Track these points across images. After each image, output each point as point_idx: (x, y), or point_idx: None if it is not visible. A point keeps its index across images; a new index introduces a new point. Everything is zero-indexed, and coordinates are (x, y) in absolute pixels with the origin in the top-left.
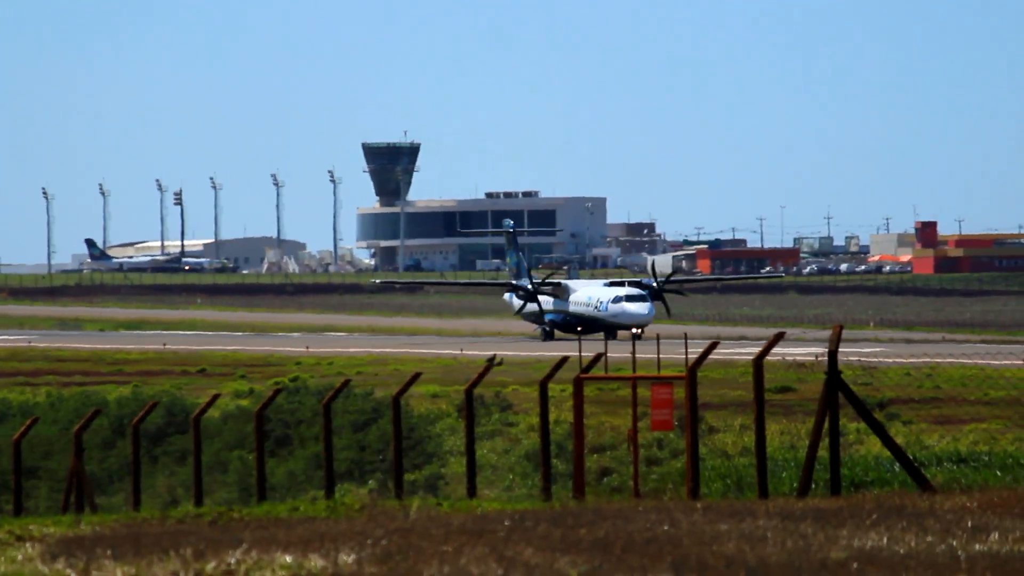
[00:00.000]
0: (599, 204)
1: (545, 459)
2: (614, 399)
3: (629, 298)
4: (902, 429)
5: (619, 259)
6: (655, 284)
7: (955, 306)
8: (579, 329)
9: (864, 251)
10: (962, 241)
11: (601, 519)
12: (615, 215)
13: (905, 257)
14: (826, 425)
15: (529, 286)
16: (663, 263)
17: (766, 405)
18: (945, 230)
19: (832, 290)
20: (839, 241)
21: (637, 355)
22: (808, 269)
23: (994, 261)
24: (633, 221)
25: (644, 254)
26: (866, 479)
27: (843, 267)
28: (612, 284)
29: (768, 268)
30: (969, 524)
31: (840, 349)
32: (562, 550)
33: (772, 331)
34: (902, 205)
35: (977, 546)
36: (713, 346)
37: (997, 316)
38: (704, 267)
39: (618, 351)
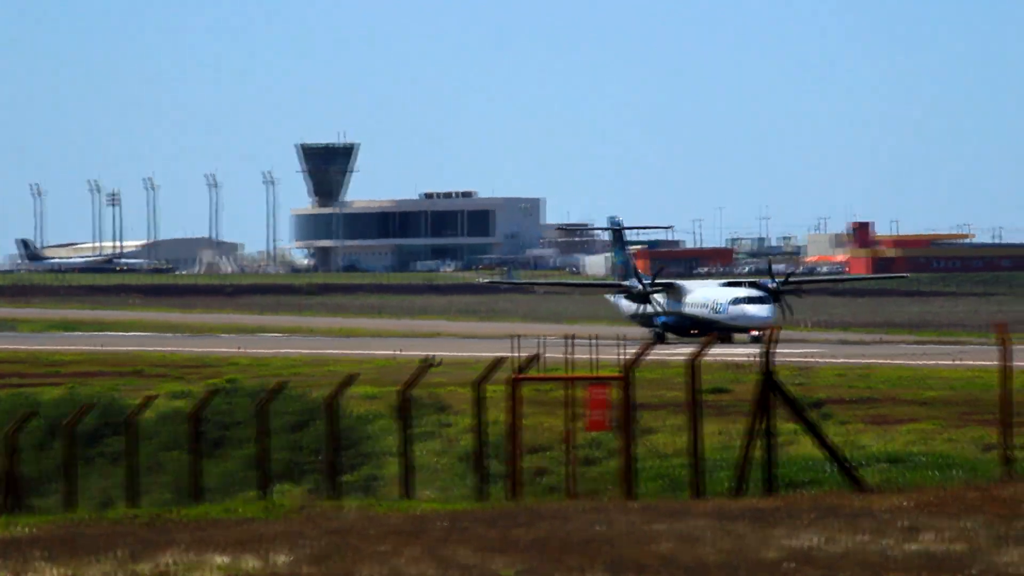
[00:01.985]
0: (535, 205)
1: (481, 460)
2: (550, 400)
3: (749, 299)
4: (837, 429)
5: (555, 260)
6: (773, 284)
7: (891, 306)
8: (694, 332)
9: (800, 251)
10: (898, 241)
11: (537, 519)
12: (552, 216)
13: (841, 257)
14: (761, 425)
15: (640, 286)
16: (598, 264)
17: (701, 405)
18: (880, 230)
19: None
20: (775, 242)
21: (573, 355)
22: (744, 270)
23: (930, 262)
24: (570, 222)
25: (580, 255)
26: (801, 479)
27: (779, 268)
28: (729, 284)
29: (704, 268)
30: (903, 524)
31: (775, 350)
32: (498, 550)
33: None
34: (837, 205)
35: (910, 545)
36: (648, 346)
37: (933, 316)
38: (641, 267)
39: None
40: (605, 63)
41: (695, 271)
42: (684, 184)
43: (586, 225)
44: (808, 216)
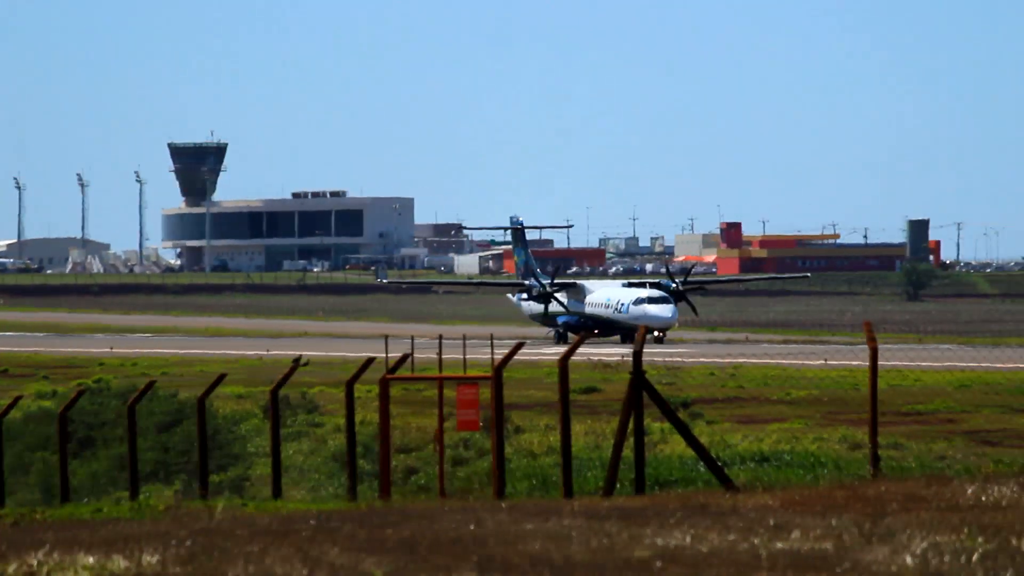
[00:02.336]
0: (407, 204)
1: (351, 459)
2: (420, 399)
3: (651, 299)
4: (706, 429)
5: (427, 259)
6: (675, 284)
7: (758, 306)
8: (596, 332)
9: (669, 251)
10: (766, 242)
11: (407, 519)
12: (423, 215)
13: (710, 257)
14: (631, 425)
15: (541, 286)
16: (470, 264)
17: (572, 405)
18: (749, 231)
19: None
20: (644, 242)
21: (443, 355)
22: (614, 269)
23: (797, 261)
24: (441, 221)
25: (451, 254)
26: (670, 478)
27: (649, 267)
28: (631, 285)
29: (575, 268)
30: (771, 522)
31: (645, 349)
32: (368, 550)
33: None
34: (707, 206)
35: (778, 544)
36: (519, 346)
37: (800, 316)
38: (511, 267)
39: (448, 352)
40: (470, 63)
41: (566, 271)
42: (554, 184)
43: (492, 226)
44: (678, 216)
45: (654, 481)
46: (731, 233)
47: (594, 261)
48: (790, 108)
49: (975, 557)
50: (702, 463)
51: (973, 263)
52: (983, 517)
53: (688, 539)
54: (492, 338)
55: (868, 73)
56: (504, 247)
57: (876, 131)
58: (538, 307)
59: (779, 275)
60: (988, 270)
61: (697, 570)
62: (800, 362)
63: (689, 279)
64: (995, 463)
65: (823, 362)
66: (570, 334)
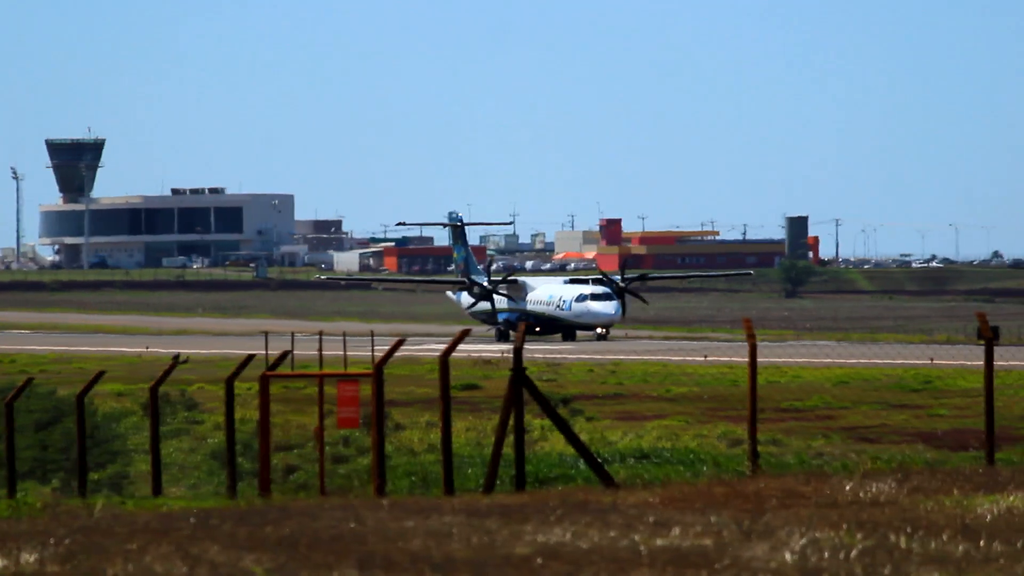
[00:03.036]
0: (286, 201)
1: (231, 457)
2: (301, 397)
3: (595, 296)
4: (586, 425)
5: (306, 256)
6: (617, 282)
7: (637, 302)
8: (538, 329)
9: (549, 248)
10: (645, 238)
11: (287, 517)
12: (302, 212)
13: (590, 254)
14: (511, 422)
15: (485, 283)
16: (350, 261)
17: (452, 402)
18: (629, 227)
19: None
20: (525, 239)
21: (323, 352)
22: (495, 266)
23: (676, 258)
24: (321, 218)
25: (331, 251)
26: (551, 475)
27: (529, 264)
28: (573, 282)
29: (453, 266)
30: (651, 519)
31: (525, 346)
32: (248, 548)
33: (458, 328)
34: (587, 203)
35: (658, 541)
36: (399, 343)
37: (680, 313)
38: (391, 265)
39: (408, 348)
40: (346, 59)
41: (447, 268)
42: (434, 181)
43: (428, 222)
44: (557, 213)
45: (534, 478)
46: (611, 230)
47: (475, 258)
48: (669, 105)
49: (854, 553)
50: (582, 460)
51: (851, 260)
52: (861, 513)
53: (568, 536)
54: (372, 335)
55: (746, 70)
56: (384, 244)
57: (755, 128)
58: (478, 305)
59: (724, 272)
60: (866, 267)
61: (578, 567)
62: (680, 358)
63: (627, 275)
64: (873, 459)
65: (703, 359)
66: (511, 331)
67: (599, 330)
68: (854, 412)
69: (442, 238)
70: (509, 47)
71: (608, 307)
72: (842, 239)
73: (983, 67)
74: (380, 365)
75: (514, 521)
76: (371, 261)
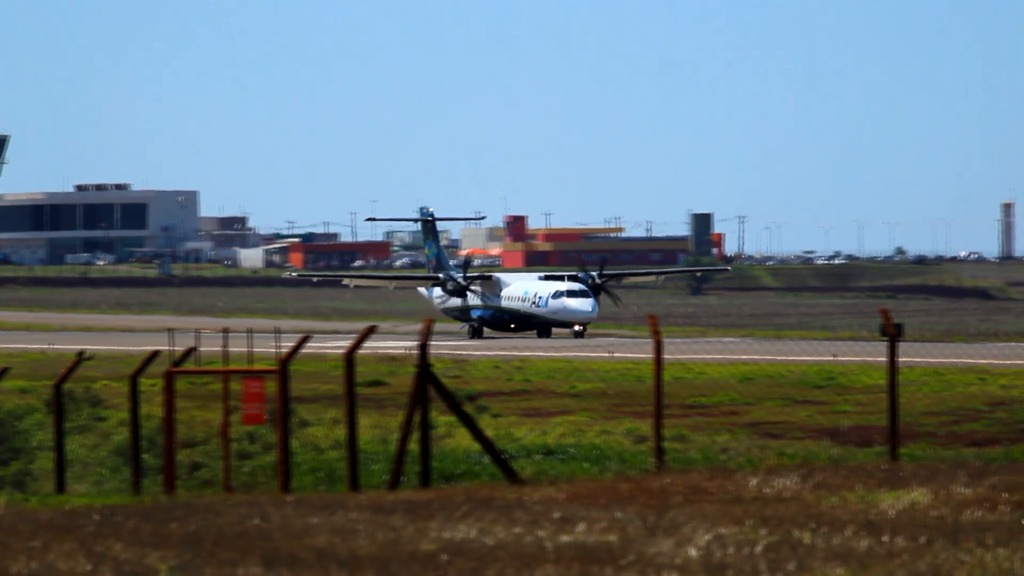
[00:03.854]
0: (191, 198)
1: (135, 454)
2: (206, 393)
3: (571, 293)
4: (491, 422)
5: (211, 253)
6: (593, 278)
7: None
8: (512, 326)
9: (455, 245)
10: (551, 235)
11: (192, 513)
12: (207, 208)
13: (495, 250)
14: (417, 418)
15: (460, 279)
16: (255, 257)
17: (358, 399)
18: (535, 224)
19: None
20: None
21: (228, 348)
22: (400, 263)
23: (581, 255)
24: (225, 215)
25: (236, 248)
26: (456, 471)
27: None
28: (548, 278)
29: (360, 262)
30: (556, 515)
31: (431, 342)
32: (152, 545)
33: (364, 325)
34: (492, 199)
35: (564, 537)
36: (304, 340)
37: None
38: (296, 261)
39: (318, 344)
40: (252, 55)
41: (352, 264)
42: (339, 177)
43: (398, 218)
44: (462, 209)
45: (440, 474)
46: (516, 227)
47: (380, 254)
48: (574, 101)
49: (758, 549)
50: (488, 456)
51: (756, 256)
52: (766, 509)
53: (474, 532)
54: (278, 331)
55: (650, 69)
56: (290, 240)
57: (660, 126)
58: (451, 301)
59: (698, 268)
60: (770, 264)
61: (483, 563)
62: (585, 355)
63: (605, 271)
64: (777, 455)
65: (608, 355)
66: (486, 328)
67: (576, 327)
68: (759, 408)
69: (347, 234)
70: (415, 43)
71: (585, 304)
72: (746, 236)
73: (886, 64)
74: (285, 361)
75: (420, 517)
76: (276, 257)
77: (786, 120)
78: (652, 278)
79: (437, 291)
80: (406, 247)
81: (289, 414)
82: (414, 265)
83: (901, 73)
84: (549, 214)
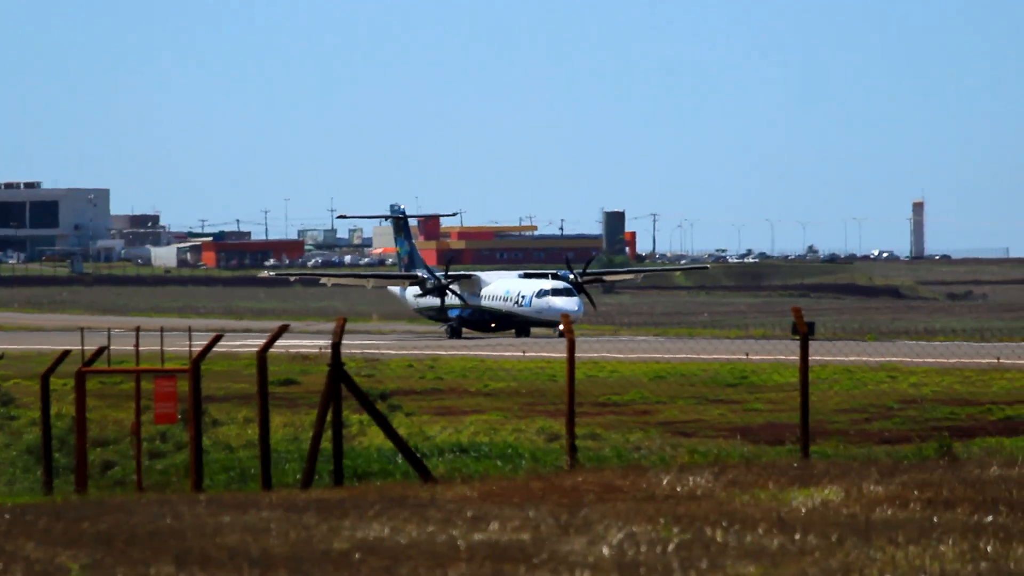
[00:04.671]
0: (102, 196)
1: (46, 453)
2: (118, 392)
3: (556, 292)
4: (404, 420)
5: (123, 251)
6: (573, 276)
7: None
8: (493, 325)
9: (367, 243)
10: (464, 233)
11: (103, 512)
12: (119, 207)
13: None
14: (329, 417)
15: (439, 277)
16: (167, 255)
17: (270, 398)
18: (448, 222)
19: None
20: (343, 234)
21: (140, 347)
22: (313, 261)
23: (495, 253)
24: (137, 213)
25: (148, 246)
26: (369, 470)
27: (347, 259)
28: (527, 276)
29: (273, 260)
30: (469, 514)
31: (344, 341)
32: (64, 544)
33: (276, 323)
34: (405, 198)
35: (477, 535)
36: (217, 339)
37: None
38: (209, 259)
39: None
40: (162, 51)
41: (265, 263)
42: (252, 175)
43: (369, 215)
44: (375, 208)
45: (353, 473)
46: (429, 225)
47: (292, 253)
48: (488, 101)
49: (671, 547)
50: (401, 455)
51: (668, 255)
52: (678, 507)
53: (387, 531)
54: (190, 331)
55: (564, 66)
56: (202, 239)
57: (573, 124)
58: (426, 300)
59: (679, 266)
60: (683, 262)
61: (396, 562)
62: (498, 354)
63: (588, 270)
64: (690, 453)
65: (521, 353)
66: (464, 328)
67: (561, 327)
68: (671, 406)
69: (259, 232)
70: (324, 38)
71: (570, 303)
72: (659, 234)
73: (797, 64)
74: (197, 361)
75: (332, 516)
76: (188, 256)
77: (698, 118)
78: (631, 276)
79: (415, 290)
80: (319, 246)
81: (201, 413)
82: (326, 264)
83: (812, 72)
84: (463, 212)
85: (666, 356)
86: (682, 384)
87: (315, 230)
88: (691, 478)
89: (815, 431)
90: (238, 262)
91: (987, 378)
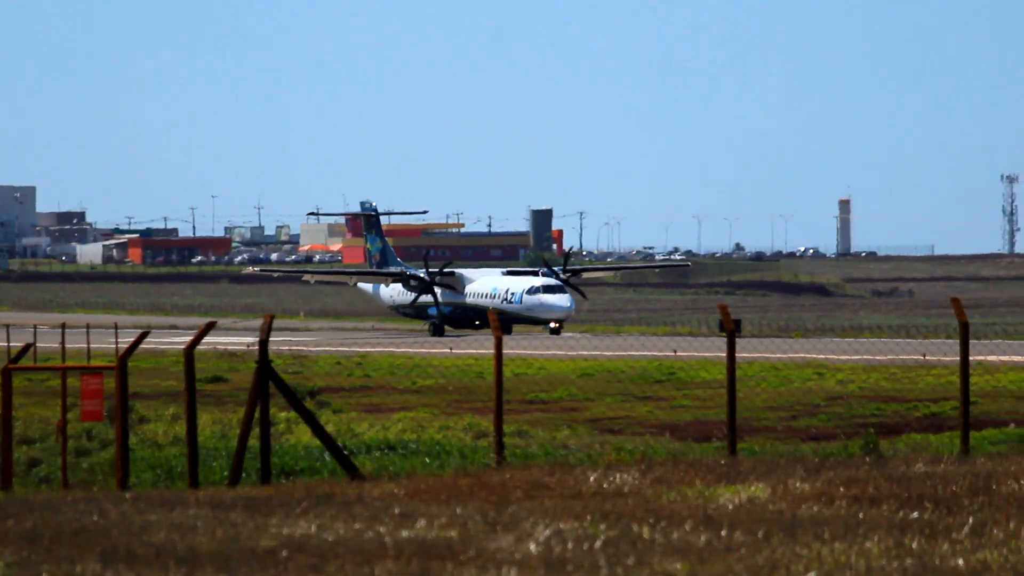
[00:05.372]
0: (28, 193)
1: None
2: (44, 390)
3: (547, 289)
4: (332, 418)
5: (49, 248)
6: (557, 274)
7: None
8: (477, 323)
9: (295, 240)
10: (391, 230)
11: (29, 510)
12: (45, 204)
13: (336, 246)
14: (257, 414)
15: (423, 275)
16: (93, 253)
17: (198, 395)
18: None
19: (263, 279)
20: (270, 230)
21: (66, 344)
22: (240, 258)
23: (422, 250)
24: (63, 210)
25: (74, 243)
26: (297, 467)
27: (274, 256)
28: (511, 273)
29: (200, 257)
30: (397, 511)
31: (271, 338)
32: None
33: (203, 320)
34: (332, 195)
35: (404, 532)
36: (143, 335)
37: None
38: (136, 256)
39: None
40: (88, 47)
41: (192, 260)
42: (177, 172)
43: (340, 212)
44: (303, 205)
45: (280, 471)
46: (356, 222)
47: (219, 250)
48: (412, 96)
49: (598, 544)
50: (328, 452)
51: (595, 252)
52: (605, 504)
53: (314, 528)
54: (116, 327)
55: (493, 63)
56: (129, 236)
57: (500, 120)
58: (403, 298)
59: (659, 264)
60: (610, 259)
61: (323, 559)
62: (426, 351)
63: (569, 267)
64: (616, 451)
65: (449, 351)
66: (447, 326)
67: (552, 324)
68: (599, 403)
69: (186, 230)
70: (249, 35)
71: (563, 300)
72: (586, 231)
73: (723, 61)
74: (124, 358)
75: (259, 514)
76: (115, 253)
77: (625, 116)
78: (611, 274)
79: (384, 288)
80: (246, 243)
81: (128, 411)
82: (252, 261)
83: (737, 71)
84: (390, 210)
85: (593, 353)
86: (609, 381)
87: (242, 227)
88: (618, 475)
89: (742, 428)
90: (164, 259)
91: (912, 375)
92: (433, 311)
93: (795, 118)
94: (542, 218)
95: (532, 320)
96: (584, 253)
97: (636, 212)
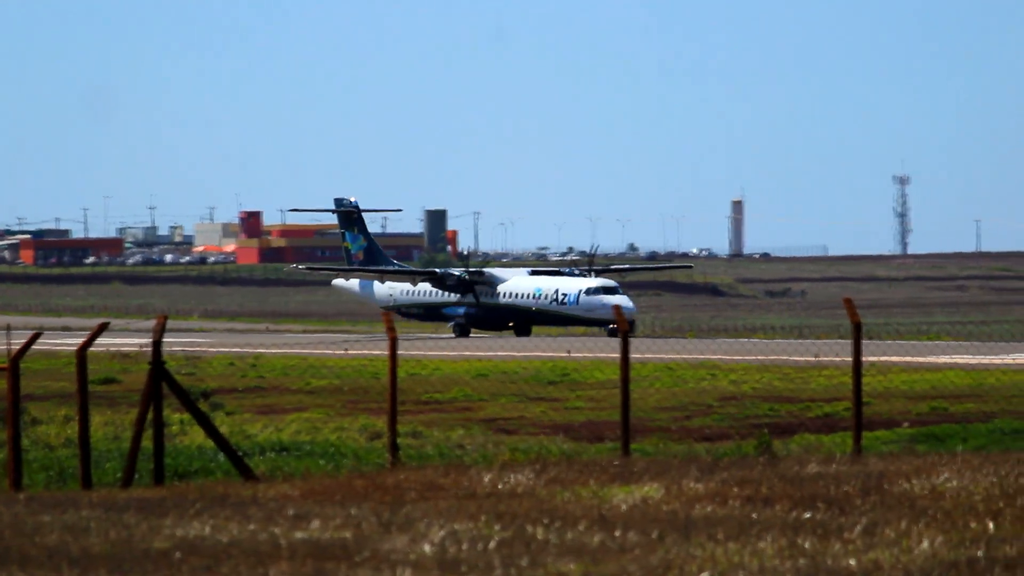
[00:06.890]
0: None
1: None
2: None
3: (607, 290)
4: (226, 419)
5: None
6: (577, 272)
7: (278, 296)
8: (511, 324)
9: (188, 241)
10: (286, 231)
11: None
12: None
13: (230, 247)
14: (150, 415)
15: (460, 273)
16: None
17: (90, 396)
18: (270, 220)
19: (157, 280)
20: (163, 231)
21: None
22: (133, 259)
23: (316, 251)
24: None
25: None
26: (190, 469)
27: (168, 257)
28: (535, 273)
29: (92, 258)
30: (291, 512)
31: (164, 339)
32: None
33: (96, 321)
34: (226, 195)
35: (298, 533)
36: (36, 336)
37: (319, 306)
38: (27, 257)
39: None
40: (7, 47)
41: (85, 260)
42: (72, 173)
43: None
44: (196, 206)
45: (173, 472)
46: (251, 223)
47: (112, 251)
48: (307, 94)
49: (492, 544)
50: (222, 453)
51: (490, 253)
52: (500, 505)
53: (208, 529)
54: (8, 328)
55: (388, 62)
56: (20, 237)
57: (395, 119)
58: (407, 298)
59: (663, 264)
60: (504, 260)
61: (217, 561)
62: (320, 351)
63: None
64: (511, 451)
65: (343, 352)
66: (474, 328)
67: (611, 326)
68: (493, 404)
69: (79, 230)
70: (153, 35)
71: (624, 300)
72: (481, 232)
73: (616, 61)
74: (16, 359)
75: (153, 515)
76: (6, 254)
77: (517, 115)
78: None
79: (397, 286)
80: (139, 243)
81: (20, 412)
82: (146, 262)
83: (630, 71)
84: (284, 210)
85: (487, 354)
86: (504, 382)
87: (135, 228)
88: (512, 476)
89: (635, 428)
90: (57, 260)
91: (805, 375)
92: (457, 311)
93: (687, 119)
94: (436, 219)
95: (590, 321)
96: (479, 254)
97: (531, 212)
